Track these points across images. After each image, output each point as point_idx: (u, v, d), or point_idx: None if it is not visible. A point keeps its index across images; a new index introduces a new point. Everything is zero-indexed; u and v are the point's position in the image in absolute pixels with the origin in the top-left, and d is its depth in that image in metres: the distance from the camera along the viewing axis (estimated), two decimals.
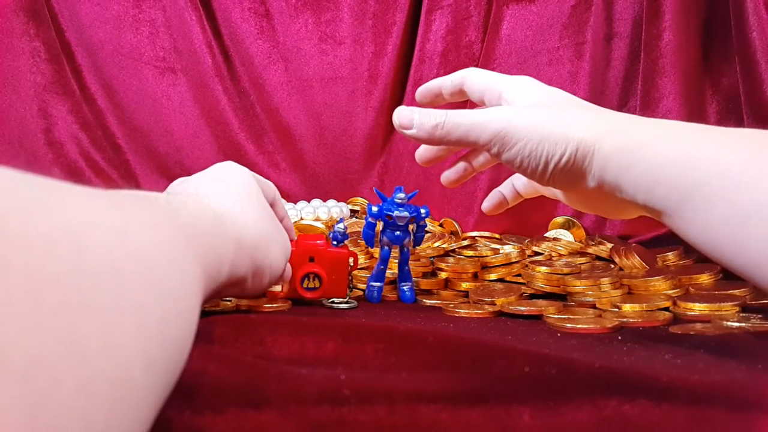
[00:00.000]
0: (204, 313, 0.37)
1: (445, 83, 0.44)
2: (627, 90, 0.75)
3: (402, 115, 0.39)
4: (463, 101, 0.45)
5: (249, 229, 0.34)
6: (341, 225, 0.46)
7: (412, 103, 0.42)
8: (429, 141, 0.38)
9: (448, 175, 0.48)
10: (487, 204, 0.50)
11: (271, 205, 0.42)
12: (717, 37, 0.71)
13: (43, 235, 0.16)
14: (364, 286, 0.49)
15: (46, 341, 0.14)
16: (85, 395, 0.15)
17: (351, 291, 0.47)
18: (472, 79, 0.42)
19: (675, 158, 0.32)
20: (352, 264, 0.46)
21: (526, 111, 0.37)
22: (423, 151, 0.47)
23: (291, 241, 0.43)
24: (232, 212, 0.33)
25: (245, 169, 0.40)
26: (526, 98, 0.38)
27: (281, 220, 0.44)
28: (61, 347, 0.15)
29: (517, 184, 0.49)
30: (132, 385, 0.17)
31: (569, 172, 0.35)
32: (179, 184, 0.37)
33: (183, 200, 0.31)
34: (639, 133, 0.34)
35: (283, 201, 0.69)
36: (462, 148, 0.45)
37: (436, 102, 0.46)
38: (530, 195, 0.49)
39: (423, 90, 0.46)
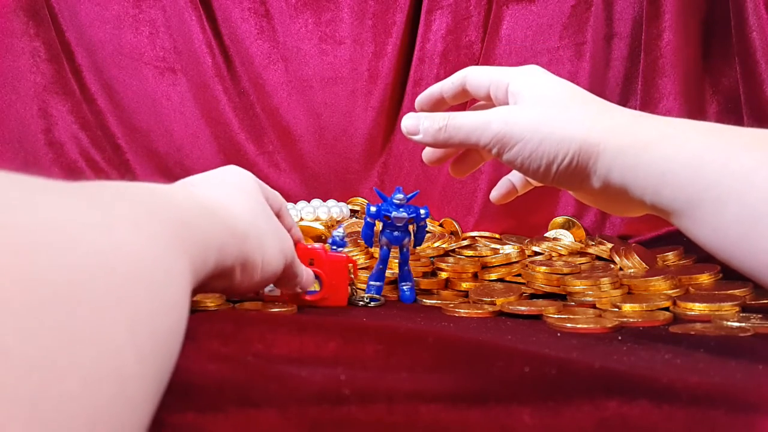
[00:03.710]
0: (205, 312, 0.37)
1: (445, 86, 0.43)
2: (627, 90, 0.75)
3: (409, 122, 0.40)
4: (465, 102, 0.45)
5: (237, 217, 0.33)
6: (340, 230, 0.46)
7: (412, 102, 0.42)
8: (435, 144, 0.39)
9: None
10: (495, 193, 0.47)
11: (277, 215, 0.41)
12: (717, 37, 0.71)
13: (27, 229, 0.15)
14: (364, 286, 0.49)
15: (45, 333, 0.14)
16: (88, 388, 0.15)
17: (365, 301, 0.46)
18: (474, 76, 0.41)
19: (684, 159, 0.31)
20: (351, 272, 0.44)
21: (525, 111, 0.36)
22: (429, 152, 0.46)
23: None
24: (219, 200, 0.33)
25: (247, 172, 0.39)
26: (531, 91, 0.37)
27: (288, 230, 0.43)
28: (60, 339, 0.14)
29: None
30: (127, 378, 0.17)
31: (573, 173, 0.35)
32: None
33: (170, 191, 0.30)
34: (646, 133, 0.33)
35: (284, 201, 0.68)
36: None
37: (438, 107, 0.44)
38: (540, 184, 0.47)
39: (423, 97, 0.45)
